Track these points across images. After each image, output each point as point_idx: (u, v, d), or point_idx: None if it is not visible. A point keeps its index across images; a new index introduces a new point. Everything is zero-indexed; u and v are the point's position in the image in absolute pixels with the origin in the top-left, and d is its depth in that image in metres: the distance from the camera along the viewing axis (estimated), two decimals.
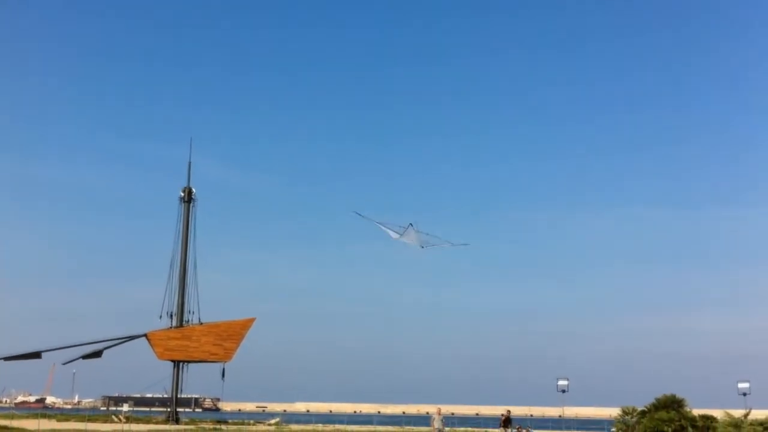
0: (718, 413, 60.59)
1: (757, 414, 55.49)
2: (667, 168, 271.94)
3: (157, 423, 75.66)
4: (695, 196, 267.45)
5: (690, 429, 56.43)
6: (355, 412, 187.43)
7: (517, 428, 75.52)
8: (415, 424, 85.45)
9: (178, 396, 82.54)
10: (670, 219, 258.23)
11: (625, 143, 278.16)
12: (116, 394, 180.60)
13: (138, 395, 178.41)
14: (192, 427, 68.61)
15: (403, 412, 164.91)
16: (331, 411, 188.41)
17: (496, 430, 55.27)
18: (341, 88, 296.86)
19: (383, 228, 52.83)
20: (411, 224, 51.83)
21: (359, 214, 53.56)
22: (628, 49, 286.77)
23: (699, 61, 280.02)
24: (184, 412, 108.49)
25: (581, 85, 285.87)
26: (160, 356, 79.52)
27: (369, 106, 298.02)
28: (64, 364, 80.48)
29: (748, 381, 67.58)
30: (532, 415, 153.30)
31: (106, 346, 79.64)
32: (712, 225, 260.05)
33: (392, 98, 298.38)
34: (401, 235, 51.85)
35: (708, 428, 59.95)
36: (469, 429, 78.23)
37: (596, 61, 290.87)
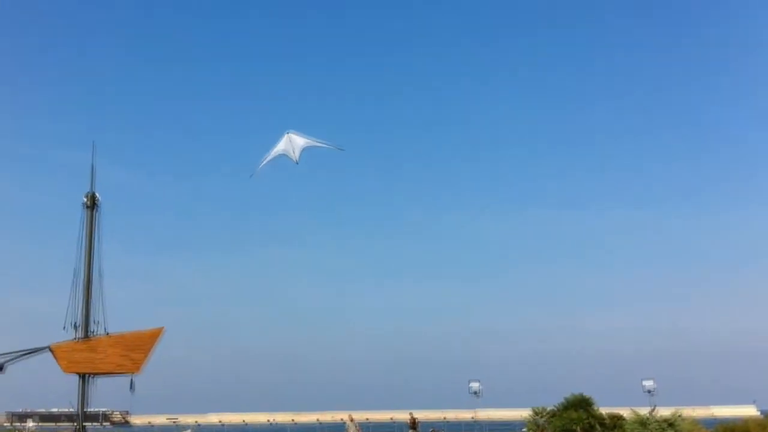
0: (624, 411, 62.26)
1: (662, 411, 57.10)
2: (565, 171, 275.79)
3: None
4: (597, 199, 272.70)
5: (598, 427, 57.71)
6: (269, 421, 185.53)
7: (431, 431, 76.01)
8: None
9: (86, 410, 79.98)
10: (575, 220, 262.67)
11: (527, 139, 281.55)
12: (21, 410, 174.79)
13: (44, 411, 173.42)
14: None
15: (318, 420, 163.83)
16: (244, 421, 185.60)
17: None
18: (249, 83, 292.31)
19: (269, 159, 52.54)
20: (288, 132, 51.74)
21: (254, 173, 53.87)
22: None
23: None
24: (92, 426, 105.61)
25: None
26: (66, 369, 76.59)
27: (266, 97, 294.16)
28: None
29: (652, 378, 69.56)
30: (445, 419, 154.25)
31: (7, 359, 76.00)
32: (615, 226, 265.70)
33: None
34: (285, 150, 51.45)
35: (615, 426, 61.47)
36: None
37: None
